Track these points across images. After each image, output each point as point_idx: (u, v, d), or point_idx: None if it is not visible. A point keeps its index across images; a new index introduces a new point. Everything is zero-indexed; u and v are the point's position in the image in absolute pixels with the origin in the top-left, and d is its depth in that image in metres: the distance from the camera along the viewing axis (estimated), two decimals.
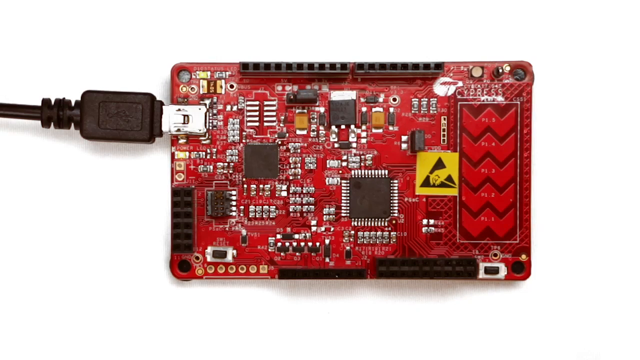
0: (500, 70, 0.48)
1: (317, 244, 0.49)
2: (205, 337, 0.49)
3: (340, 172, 0.49)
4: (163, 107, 0.48)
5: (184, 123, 0.48)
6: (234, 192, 0.49)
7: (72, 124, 0.48)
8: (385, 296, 0.50)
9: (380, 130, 0.49)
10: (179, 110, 0.48)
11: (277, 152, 0.49)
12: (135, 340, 0.49)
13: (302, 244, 0.49)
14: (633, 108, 0.50)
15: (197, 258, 0.49)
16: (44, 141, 0.49)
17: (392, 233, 0.49)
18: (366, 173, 0.49)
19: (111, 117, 0.48)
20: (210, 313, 0.50)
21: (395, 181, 0.49)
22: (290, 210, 0.49)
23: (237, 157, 0.49)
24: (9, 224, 0.49)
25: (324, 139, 0.49)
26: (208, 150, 0.49)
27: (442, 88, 0.49)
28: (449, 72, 0.49)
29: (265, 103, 0.49)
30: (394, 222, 0.49)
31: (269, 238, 0.49)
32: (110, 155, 0.50)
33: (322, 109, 0.49)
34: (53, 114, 0.47)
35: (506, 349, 0.50)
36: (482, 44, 0.50)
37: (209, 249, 0.49)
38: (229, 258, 0.48)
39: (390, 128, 0.49)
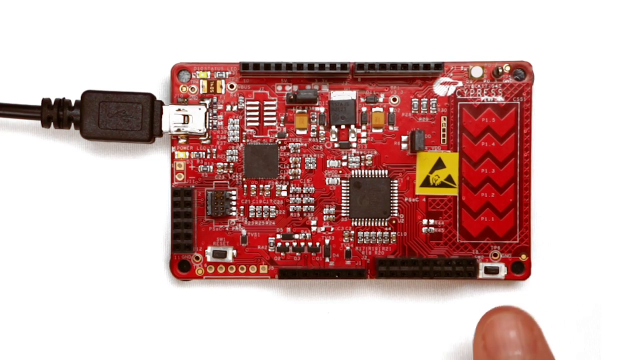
0: (500, 70, 0.48)
1: (317, 244, 0.49)
2: (205, 337, 0.49)
3: (340, 172, 0.49)
4: (163, 107, 0.48)
5: (184, 123, 0.48)
6: (234, 192, 0.49)
7: (72, 124, 0.48)
8: (385, 296, 0.50)
9: (380, 130, 0.49)
10: (179, 110, 0.48)
11: (277, 152, 0.49)
12: (136, 340, 0.49)
13: (302, 244, 0.49)
14: (633, 108, 0.50)
15: (197, 258, 0.49)
16: (44, 141, 0.49)
17: (392, 233, 0.49)
18: (366, 173, 0.49)
19: (111, 117, 0.48)
20: (210, 313, 0.50)
21: (395, 181, 0.49)
22: (290, 210, 0.49)
23: (237, 157, 0.49)
24: (9, 223, 0.49)
25: (324, 139, 0.49)
26: (208, 150, 0.49)
27: (442, 88, 0.49)
28: (449, 72, 0.49)
29: (265, 103, 0.49)
30: (394, 222, 0.49)
31: (269, 238, 0.49)
32: (110, 155, 0.50)
33: (322, 109, 0.49)
34: (53, 113, 0.47)
35: None
36: (482, 44, 0.50)
37: (209, 249, 0.49)
38: (229, 258, 0.48)
39: (390, 128, 0.49)
